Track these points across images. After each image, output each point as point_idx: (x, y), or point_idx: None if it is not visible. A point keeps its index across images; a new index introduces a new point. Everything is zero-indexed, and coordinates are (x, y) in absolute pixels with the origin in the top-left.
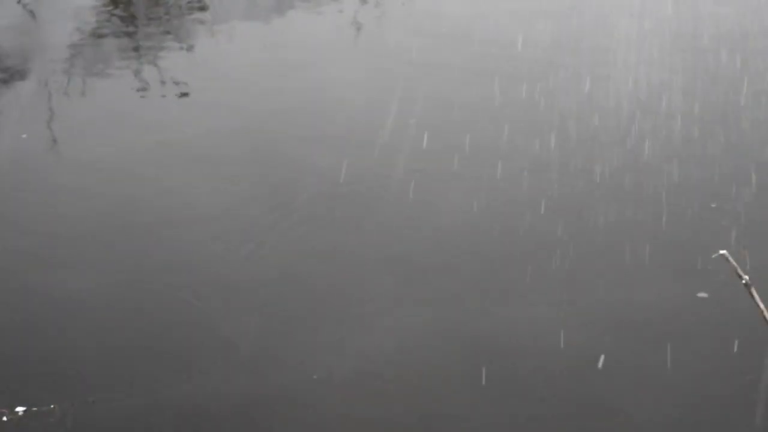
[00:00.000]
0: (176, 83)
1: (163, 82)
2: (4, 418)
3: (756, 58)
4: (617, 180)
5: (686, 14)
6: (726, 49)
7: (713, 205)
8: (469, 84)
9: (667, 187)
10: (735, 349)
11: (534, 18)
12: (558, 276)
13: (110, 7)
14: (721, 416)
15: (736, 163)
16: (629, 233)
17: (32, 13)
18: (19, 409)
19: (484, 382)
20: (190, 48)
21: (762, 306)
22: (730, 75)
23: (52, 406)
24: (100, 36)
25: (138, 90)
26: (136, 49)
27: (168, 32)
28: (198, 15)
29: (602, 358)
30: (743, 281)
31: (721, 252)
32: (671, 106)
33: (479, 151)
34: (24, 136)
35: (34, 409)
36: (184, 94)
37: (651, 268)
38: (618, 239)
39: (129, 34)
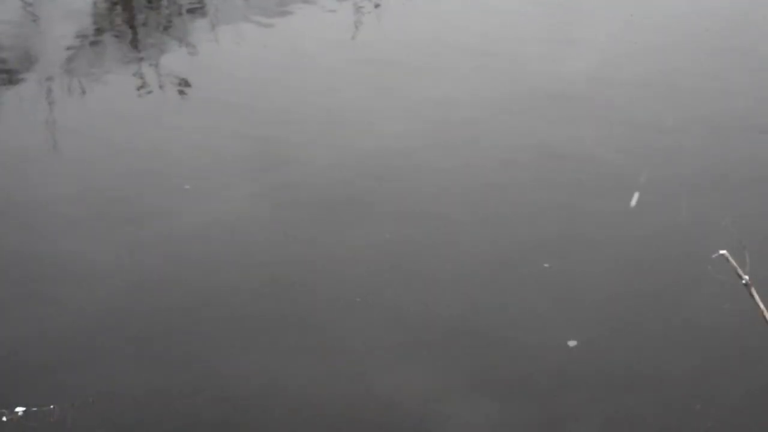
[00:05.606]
0: (176, 82)
1: (162, 82)
2: (4, 418)
3: None
4: None
5: None
6: None
7: None
8: None
9: None
10: None
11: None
12: None
13: (110, 6)
14: None
15: None
16: None
17: (32, 13)
18: (19, 410)
19: None
20: (191, 47)
21: (762, 306)
22: None
23: (52, 407)
24: (100, 35)
25: (138, 89)
26: (136, 48)
27: (168, 32)
28: (197, 15)
29: None
30: (743, 281)
31: (721, 252)
32: None
33: None
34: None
35: (34, 409)
36: (184, 93)
37: None
38: None
39: (128, 34)
